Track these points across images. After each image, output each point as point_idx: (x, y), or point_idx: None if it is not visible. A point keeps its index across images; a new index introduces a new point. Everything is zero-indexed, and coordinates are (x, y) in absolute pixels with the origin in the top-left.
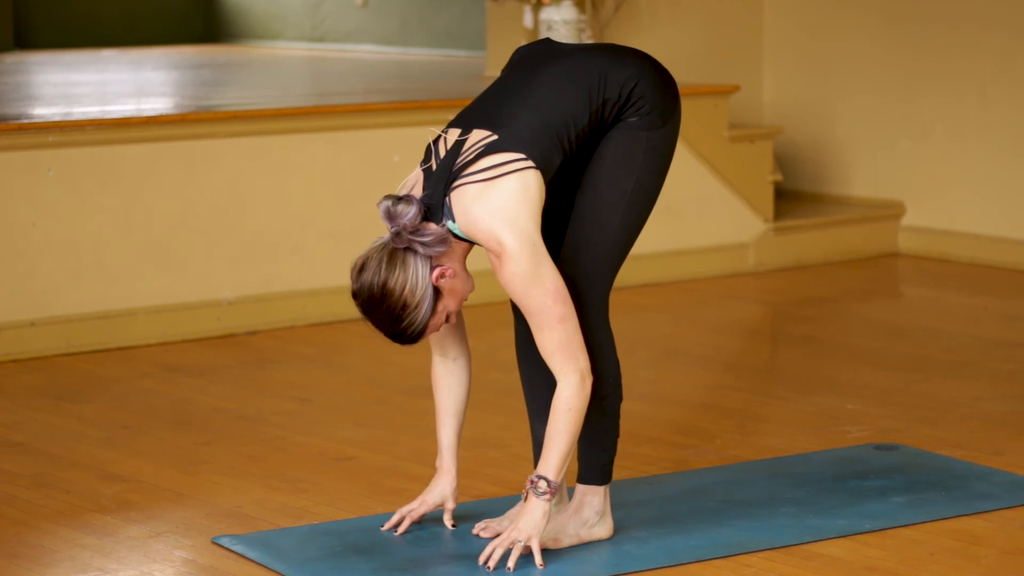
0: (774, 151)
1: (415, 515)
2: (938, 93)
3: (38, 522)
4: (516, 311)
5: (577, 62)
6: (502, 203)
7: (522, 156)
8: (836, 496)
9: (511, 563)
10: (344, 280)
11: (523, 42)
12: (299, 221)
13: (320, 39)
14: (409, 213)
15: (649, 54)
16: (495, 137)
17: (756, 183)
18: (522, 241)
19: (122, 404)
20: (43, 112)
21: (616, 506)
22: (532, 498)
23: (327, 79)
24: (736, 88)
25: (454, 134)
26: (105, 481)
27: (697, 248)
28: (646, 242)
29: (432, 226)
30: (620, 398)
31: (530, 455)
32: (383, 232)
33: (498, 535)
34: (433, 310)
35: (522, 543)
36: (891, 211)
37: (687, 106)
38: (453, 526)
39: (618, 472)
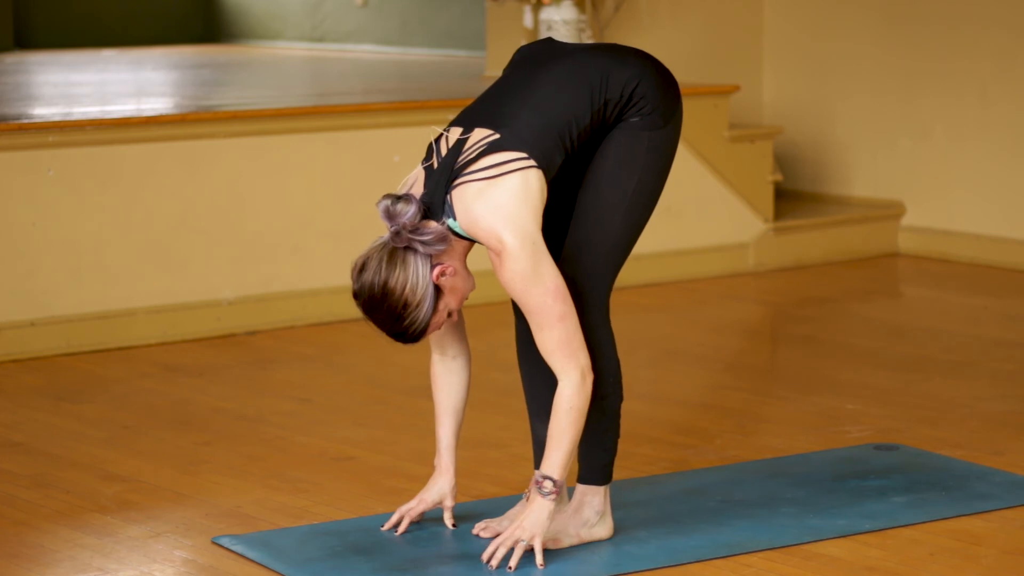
0: (774, 151)
1: (414, 514)
2: (938, 93)
3: (38, 522)
4: (517, 311)
5: (579, 62)
6: (503, 201)
7: (524, 155)
8: (836, 496)
9: (513, 562)
10: (344, 280)
11: (523, 42)
12: (299, 221)
13: (320, 39)
14: (408, 212)
15: (651, 54)
16: (497, 136)
17: (756, 183)
18: (523, 240)
19: (122, 404)
20: (43, 112)
21: (616, 506)
22: (537, 498)
23: (327, 79)
24: (736, 88)
25: (456, 133)
26: (105, 481)
27: (697, 248)
28: (646, 242)
29: (432, 224)
30: (620, 398)
31: (530, 455)
32: (383, 232)
33: (498, 535)
34: (434, 308)
35: (525, 542)
36: (891, 211)
37: (687, 106)
38: (453, 525)
39: (618, 472)
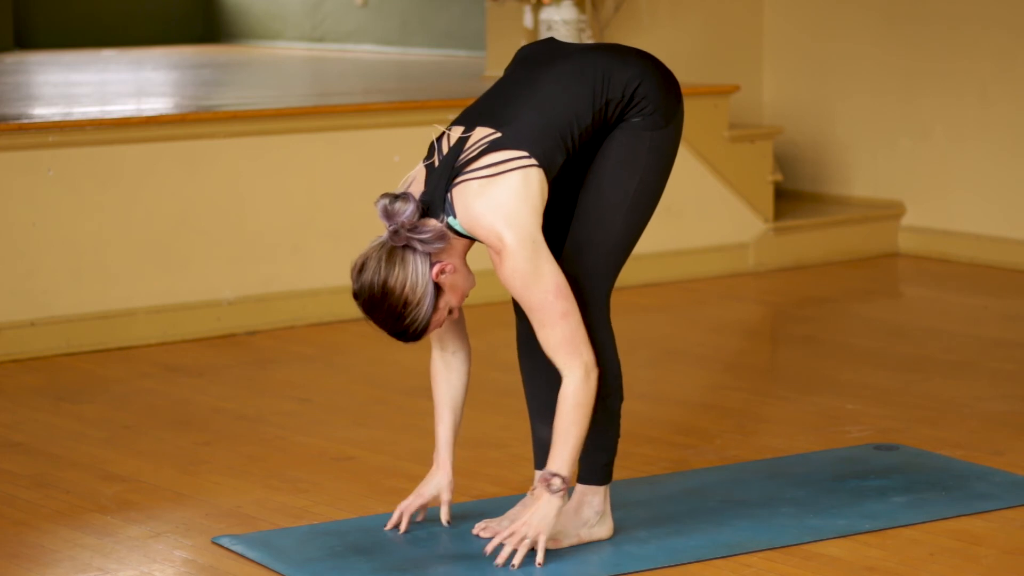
0: (774, 151)
1: (411, 509)
2: (938, 93)
3: (38, 522)
4: (518, 311)
5: (581, 62)
6: (503, 200)
7: (525, 154)
8: (836, 496)
9: (517, 560)
10: (344, 280)
11: (523, 42)
12: (299, 221)
13: (320, 39)
14: (406, 211)
15: (652, 54)
16: (498, 134)
17: (756, 183)
18: (522, 238)
19: (122, 404)
20: (43, 112)
21: (616, 506)
22: (545, 495)
23: (327, 79)
24: (736, 88)
25: (457, 131)
26: (105, 481)
27: (697, 248)
28: (646, 242)
29: (430, 222)
30: (621, 398)
31: (530, 455)
32: (383, 232)
33: (498, 534)
34: (435, 307)
35: (530, 540)
36: (891, 211)
37: (687, 106)
38: (448, 522)
39: (618, 472)
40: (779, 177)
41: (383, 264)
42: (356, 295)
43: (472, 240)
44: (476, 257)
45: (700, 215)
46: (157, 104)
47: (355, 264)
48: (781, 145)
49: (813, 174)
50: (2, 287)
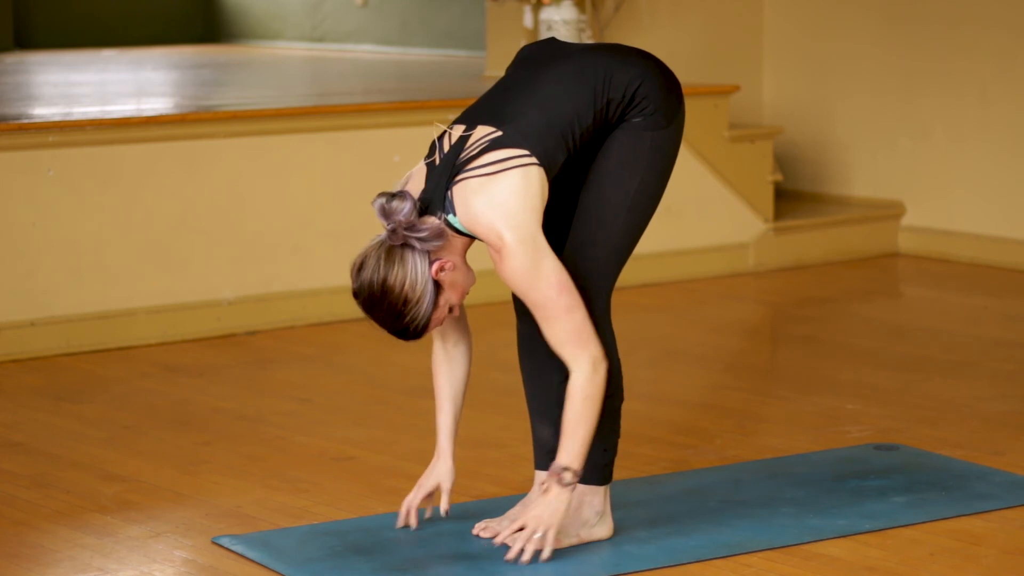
0: (774, 151)
1: (415, 503)
2: (938, 93)
3: (38, 522)
4: (519, 310)
5: (582, 62)
6: (503, 198)
7: (526, 152)
8: (836, 496)
9: (527, 556)
10: (344, 280)
11: (523, 42)
12: (299, 221)
13: (320, 39)
14: (404, 209)
15: (653, 55)
16: (500, 133)
17: (756, 183)
18: (522, 236)
19: (122, 404)
20: (43, 112)
21: (616, 506)
22: (555, 488)
23: (327, 79)
24: (736, 88)
25: (459, 130)
26: (105, 481)
27: (697, 248)
28: (646, 242)
29: (429, 220)
30: (621, 398)
31: (530, 455)
32: (382, 231)
33: (498, 535)
34: (435, 304)
35: (541, 534)
36: (891, 211)
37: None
38: (446, 512)
39: (618, 472)
40: (779, 177)
41: (382, 262)
42: (356, 294)
43: (472, 238)
44: (476, 257)
45: (700, 215)
46: (157, 104)
47: (354, 263)
48: (781, 145)
49: (813, 174)
50: (2, 287)
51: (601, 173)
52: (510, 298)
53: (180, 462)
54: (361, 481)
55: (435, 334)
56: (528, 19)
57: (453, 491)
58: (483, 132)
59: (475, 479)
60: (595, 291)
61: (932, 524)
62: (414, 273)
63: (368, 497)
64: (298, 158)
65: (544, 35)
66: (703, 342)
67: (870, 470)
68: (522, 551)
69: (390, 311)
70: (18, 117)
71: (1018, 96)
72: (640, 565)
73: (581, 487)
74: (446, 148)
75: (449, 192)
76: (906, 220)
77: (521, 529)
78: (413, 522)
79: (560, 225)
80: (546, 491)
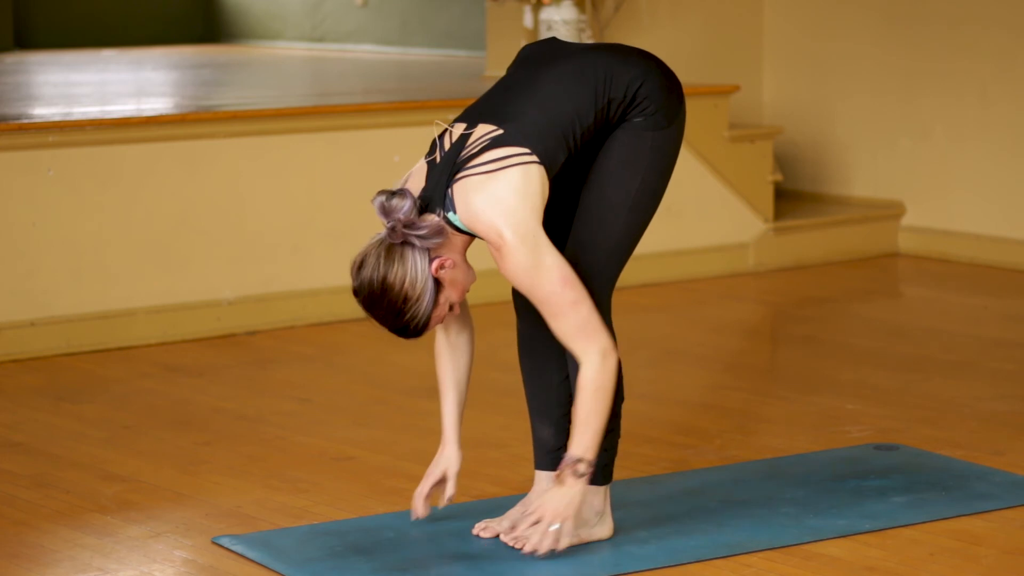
0: (774, 151)
1: (423, 492)
2: (938, 93)
3: (38, 522)
4: (519, 310)
5: (583, 61)
6: (502, 196)
7: (527, 150)
8: (836, 496)
9: (543, 549)
10: (344, 280)
11: (523, 42)
12: (299, 221)
13: (320, 39)
14: (404, 207)
15: (655, 55)
16: (501, 131)
17: (756, 183)
18: (522, 234)
19: (122, 404)
20: (43, 112)
21: (616, 506)
22: (570, 480)
23: (327, 79)
24: (736, 88)
25: (459, 128)
26: (105, 481)
27: (697, 248)
28: (646, 242)
29: (429, 218)
30: (622, 398)
31: (530, 455)
32: (383, 230)
33: (498, 535)
34: (435, 302)
35: (557, 527)
36: (891, 211)
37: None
38: (450, 499)
39: (618, 472)
40: (779, 177)
41: (382, 260)
42: (356, 292)
43: (472, 236)
44: (477, 256)
45: (700, 215)
46: (157, 104)
47: (354, 261)
48: (781, 145)
49: (813, 174)
50: (2, 287)
51: (602, 173)
52: (510, 298)
53: (180, 462)
54: (361, 481)
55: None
56: (528, 19)
57: (459, 476)
58: (484, 130)
59: (475, 479)
60: (596, 291)
61: (932, 524)
62: (414, 271)
63: (368, 497)
64: (298, 158)
65: (544, 35)
66: (703, 342)
67: (870, 470)
68: (532, 548)
69: (390, 309)
70: (18, 117)
71: (1018, 96)
72: (640, 565)
73: None
74: (447, 146)
75: (449, 190)
76: (906, 220)
77: (537, 523)
78: (421, 511)
79: (561, 225)
80: (560, 483)
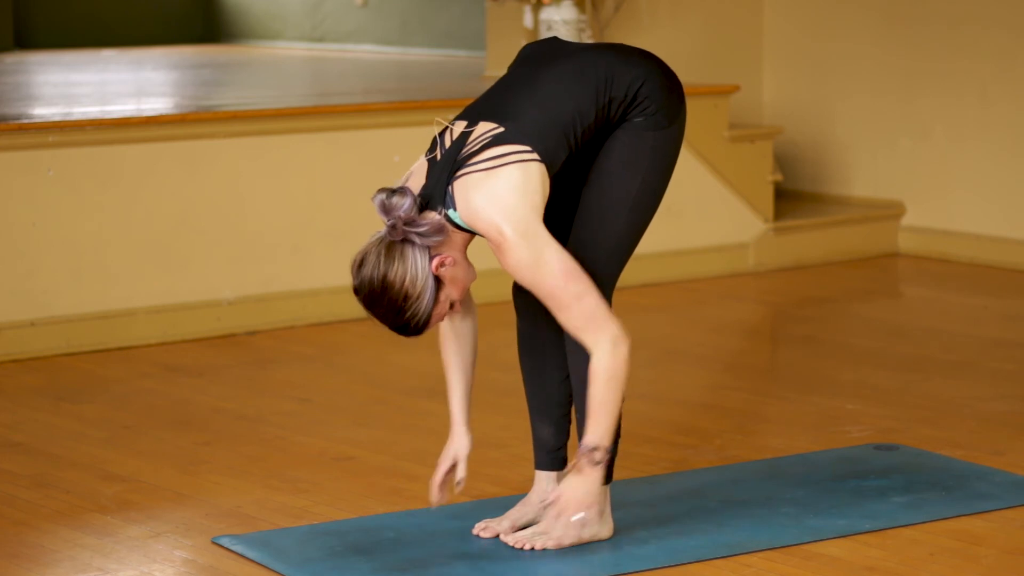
0: (774, 151)
1: (437, 480)
2: (938, 93)
3: (38, 522)
4: (519, 309)
5: (584, 61)
6: (501, 193)
7: (527, 148)
8: (836, 496)
9: (568, 541)
10: (344, 280)
11: (523, 42)
12: (299, 221)
13: (320, 39)
14: (404, 205)
15: (656, 55)
16: (501, 129)
17: (756, 183)
18: (522, 230)
19: (122, 404)
20: (43, 112)
21: (616, 506)
22: (588, 468)
23: (327, 79)
24: (736, 88)
25: (460, 126)
26: (105, 481)
27: (697, 248)
28: (646, 242)
29: (429, 215)
30: (622, 398)
31: (530, 455)
32: (383, 228)
33: (498, 535)
34: (435, 300)
35: (582, 515)
36: (891, 211)
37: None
38: (461, 480)
39: (618, 472)
40: (779, 177)
41: (382, 258)
42: (356, 290)
43: (472, 234)
44: (477, 256)
45: (700, 215)
46: (157, 104)
47: (355, 260)
48: (781, 145)
49: (813, 174)
50: (2, 287)
51: (603, 173)
52: (510, 298)
53: (180, 462)
54: (361, 481)
55: None
56: (528, 19)
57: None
58: (485, 128)
59: (475, 479)
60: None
61: (932, 524)
62: (414, 269)
63: (368, 497)
64: (298, 158)
65: (544, 35)
66: (703, 342)
67: (870, 470)
68: (557, 542)
69: (391, 307)
70: (18, 117)
71: (1018, 96)
72: (640, 565)
73: None
74: (447, 144)
75: (450, 187)
76: (906, 220)
77: (559, 516)
78: (436, 498)
79: (561, 225)
80: (577, 472)
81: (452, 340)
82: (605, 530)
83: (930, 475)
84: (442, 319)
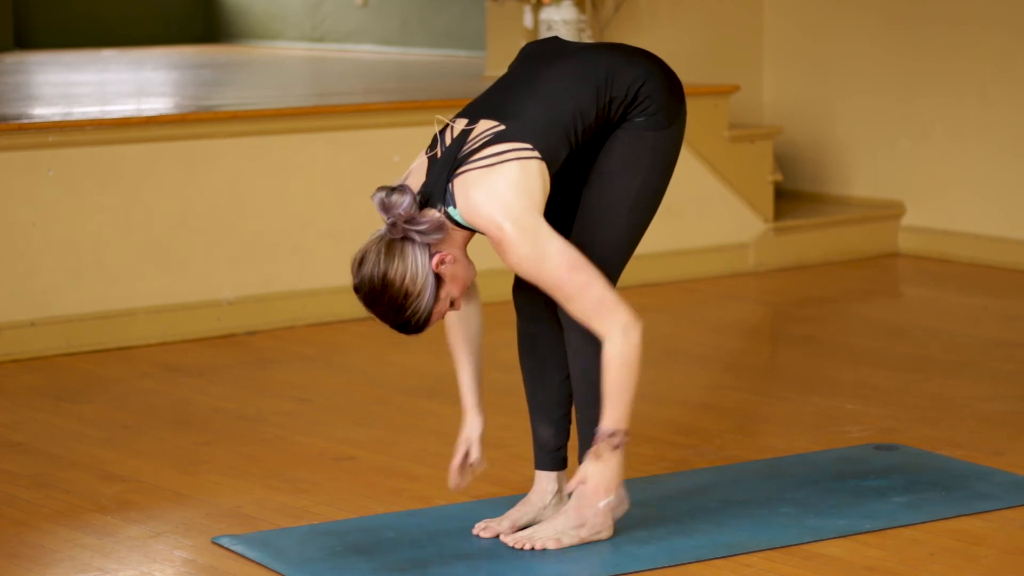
0: (774, 151)
1: (455, 466)
2: (938, 93)
3: (38, 522)
4: (519, 309)
5: (585, 60)
6: (501, 190)
7: (528, 146)
8: (836, 496)
9: (603, 530)
10: (344, 280)
11: (523, 42)
12: (299, 221)
13: (320, 39)
14: (403, 203)
15: (656, 55)
16: (502, 127)
17: (756, 183)
18: (522, 227)
19: (122, 404)
20: (43, 112)
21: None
22: (607, 453)
23: (327, 79)
24: (736, 88)
25: (461, 124)
26: (105, 481)
27: (697, 248)
28: (646, 242)
29: (429, 213)
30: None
31: (530, 455)
32: (383, 227)
33: (498, 535)
34: (436, 297)
35: (612, 499)
36: (891, 211)
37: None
38: (476, 461)
39: None
40: (779, 177)
41: (382, 256)
42: (356, 289)
43: (472, 231)
44: (478, 256)
45: (700, 215)
46: (157, 104)
47: (355, 258)
48: (781, 145)
49: (813, 174)
50: (2, 287)
51: (603, 172)
52: (510, 298)
53: (180, 462)
54: (361, 481)
55: None
56: (528, 19)
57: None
58: (486, 126)
59: (475, 479)
60: None
61: (932, 524)
62: (414, 266)
63: (368, 497)
64: (298, 158)
65: (544, 35)
66: (703, 342)
67: (870, 470)
68: (593, 531)
69: (391, 305)
70: (18, 117)
71: (1018, 96)
72: (640, 565)
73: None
74: (448, 142)
75: (450, 185)
76: (906, 220)
77: (587, 507)
78: (454, 483)
79: (562, 225)
80: (597, 457)
81: (458, 324)
82: (605, 530)
83: (930, 475)
84: (442, 317)
